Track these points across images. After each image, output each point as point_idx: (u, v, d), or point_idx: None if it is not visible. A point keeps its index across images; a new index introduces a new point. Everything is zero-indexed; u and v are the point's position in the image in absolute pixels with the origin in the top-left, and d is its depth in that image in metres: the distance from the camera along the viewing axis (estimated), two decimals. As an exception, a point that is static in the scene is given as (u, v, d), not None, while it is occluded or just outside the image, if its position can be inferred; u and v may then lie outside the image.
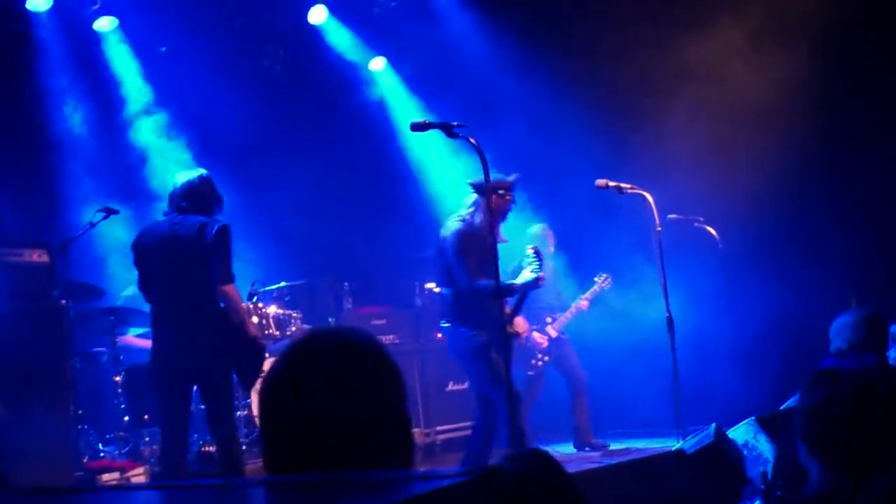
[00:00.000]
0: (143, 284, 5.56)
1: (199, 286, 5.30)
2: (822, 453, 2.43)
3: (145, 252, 5.47)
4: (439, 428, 8.11)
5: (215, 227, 5.34)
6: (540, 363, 7.38)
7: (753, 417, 4.13)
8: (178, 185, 5.52)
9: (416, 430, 7.65)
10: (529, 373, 7.38)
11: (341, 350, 1.58)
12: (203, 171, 5.63)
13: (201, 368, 5.30)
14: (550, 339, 7.45)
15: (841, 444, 2.39)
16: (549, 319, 7.50)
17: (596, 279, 7.69)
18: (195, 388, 5.47)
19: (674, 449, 4.56)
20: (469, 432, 8.28)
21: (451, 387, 8.31)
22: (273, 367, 1.61)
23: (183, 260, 5.31)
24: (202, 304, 5.30)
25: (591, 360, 8.02)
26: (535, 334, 7.40)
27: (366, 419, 1.52)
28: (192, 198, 5.44)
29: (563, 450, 7.27)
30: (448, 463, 7.59)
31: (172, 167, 8.85)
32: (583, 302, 7.56)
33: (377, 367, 1.58)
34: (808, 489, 2.47)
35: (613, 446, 7.40)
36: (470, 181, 5.88)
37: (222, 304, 5.34)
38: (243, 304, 5.61)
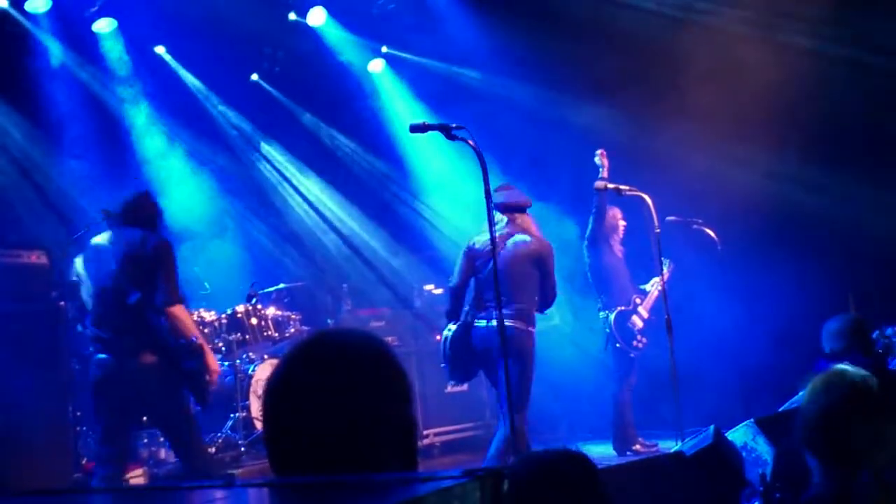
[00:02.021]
0: (82, 309, 5.17)
1: (135, 305, 4.85)
2: (824, 456, 2.45)
3: (85, 274, 5.08)
4: (438, 430, 8.11)
5: (153, 242, 4.93)
6: (640, 344, 7.37)
7: (752, 419, 4.13)
8: (117, 201, 5.16)
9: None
10: (631, 354, 7.38)
11: (346, 352, 1.58)
12: (141, 188, 5.38)
13: (148, 398, 4.89)
14: (644, 321, 7.45)
15: (842, 446, 2.41)
16: (637, 300, 7.51)
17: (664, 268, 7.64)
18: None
19: (672, 451, 4.56)
20: (468, 434, 8.35)
21: (449, 388, 8.31)
22: (277, 368, 1.61)
23: (117, 276, 4.87)
24: (141, 325, 4.85)
25: (590, 362, 8.04)
26: (634, 316, 7.43)
27: (369, 421, 1.52)
28: (129, 210, 5.05)
29: (601, 449, 7.33)
30: (447, 465, 7.59)
31: (171, 167, 8.88)
32: (662, 284, 7.53)
33: (382, 369, 1.58)
34: (810, 491, 2.49)
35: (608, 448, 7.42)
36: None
37: (167, 327, 4.86)
38: (194, 323, 5.17)
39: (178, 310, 4.86)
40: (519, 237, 5.85)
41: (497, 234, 5.36)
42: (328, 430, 1.50)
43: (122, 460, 5.02)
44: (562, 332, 8.79)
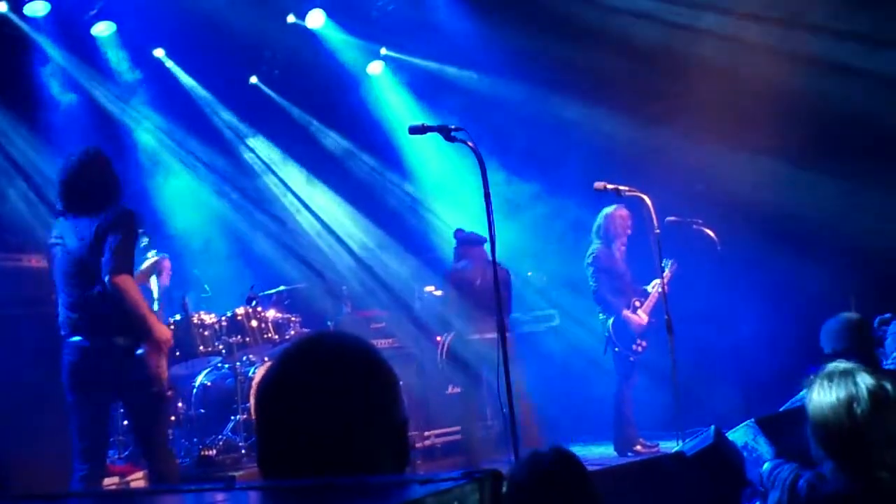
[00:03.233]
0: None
1: (102, 296, 4.55)
2: (837, 453, 2.44)
3: (51, 262, 4.82)
4: (439, 431, 8.10)
5: (113, 214, 4.53)
6: (640, 348, 7.33)
7: (753, 419, 4.12)
8: (65, 172, 4.67)
9: (415, 433, 7.64)
10: (631, 358, 7.34)
11: (334, 354, 1.60)
12: (91, 149, 4.76)
13: (122, 386, 4.66)
14: (644, 324, 7.39)
15: (857, 443, 2.41)
16: (637, 303, 7.46)
17: (664, 265, 7.57)
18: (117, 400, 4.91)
19: (673, 451, 4.56)
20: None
21: (451, 390, 8.30)
22: (268, 371, 1.62)
23: (84, 271, 4.58)
24: (110, 316, 4.55)
25: (589, 362, 8.03)
26: (633, 320, 7.36)
27: (359, 422, 1.53)
28: (85, 190, 4.62)
29: (602, 450, 7.32)
30: (448, 466, 7.58)
31: (170, 170, 8.87)
32: (664, 285, 7.47)
33: (370, 370, 1.59)
34: (824, 488, 2.47)
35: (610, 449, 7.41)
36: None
37: (115, 299, 4.47)
38: (143, 300, 4.67)
39: (124, 280, 4.44)
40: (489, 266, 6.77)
41: (473, 268, 7.01)
42: (323, 430, 1.51)
43: (101, 456, 4.84)
44: (562, 332, 8.79)
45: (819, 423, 2.46)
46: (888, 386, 2.45)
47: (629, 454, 7.20)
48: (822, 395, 2.47)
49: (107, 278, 4.43)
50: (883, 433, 2.40)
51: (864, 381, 2.44)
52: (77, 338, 4.63)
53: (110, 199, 4.64)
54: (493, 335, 6.60)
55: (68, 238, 4.63)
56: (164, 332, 4.69)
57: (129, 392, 4.68)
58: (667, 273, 7.45)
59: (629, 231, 7.48)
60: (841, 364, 2.56)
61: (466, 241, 7.19)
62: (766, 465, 2.91)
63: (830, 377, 2.49)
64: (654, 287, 7.48)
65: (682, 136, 8.07)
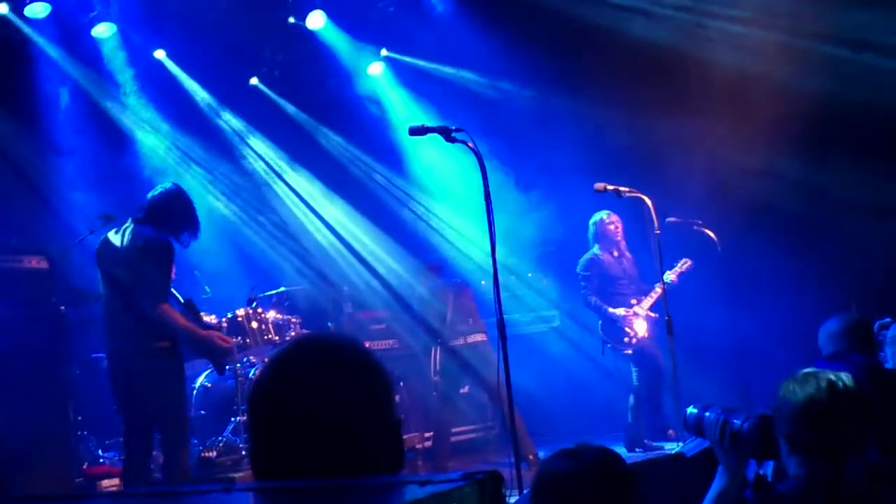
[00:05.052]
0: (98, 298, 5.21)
1: (130, 307, 4.90)
2: (804, 449, 2.49)
3: (99, 263, 5.16)
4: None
5: (154, 239, 4.93)
6: (633, 340, 7.28)
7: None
8: (148, 195, 5.20)
9: (415, 435, 7.64)
10: (626, 351, 7.32)
11: (327, 354, 1.61)
12: (172, 184, 5.32)
13: (140, 403, 4.98)
14: (637, 317, 7.35)
15: (823, 440, 2.46)
16: (633, 302, 7.44)
17: (677, 264, 7.58)
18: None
19: (673, 452, 4.56)
20: (472, 436, 8.34)
21: (461, 390, 8.28)
22: (261, 373, 1.63)
23: (116, 274, 4.97)
24: (133, 328, 4.90)
25: (590, 363, 8.03)
26: (618, 310, 7.33)
27: (352, 423, 1.53)
28: (152, 209, 5.07)
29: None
30: (450, 467, 7.58)
31: (170, 170, 8.87)
32: (672, 277, 7.43)
33: (363, 371, 1.60)
34: (786, 484, 2.52)
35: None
36: None
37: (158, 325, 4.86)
38: (181, 320, 5.01)
39: (165, 308, 4.88)
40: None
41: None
42: (317, 430, 1.51)
43: (137, 461, 5.10)
44: (563, 333, 8.79)
45: (793, 415, 2.51)
46: (850, 382, 2.52)
47: (637, 450, 7.23)
48: (795, 390, 2.53)
49: (150, 309, 4.88)
50: (852, 419, 2.48)
51: (832, 375, 2.52)
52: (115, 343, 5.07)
53: (175, 227, 5.15)
54: (476, 338, 7.53)
55: (112, 246, 5.06)
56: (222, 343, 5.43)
57: (157, 396, 5.05)
58: (680, 268, 7.45)
59: (619, 235, 7.51)
60: (810, 369, 2.64)
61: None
62: (691, 409, 3.02)
63: (798, 377, 2.56)
64: (665, 278, 7.33)
65: (682, 136, 8.06)
